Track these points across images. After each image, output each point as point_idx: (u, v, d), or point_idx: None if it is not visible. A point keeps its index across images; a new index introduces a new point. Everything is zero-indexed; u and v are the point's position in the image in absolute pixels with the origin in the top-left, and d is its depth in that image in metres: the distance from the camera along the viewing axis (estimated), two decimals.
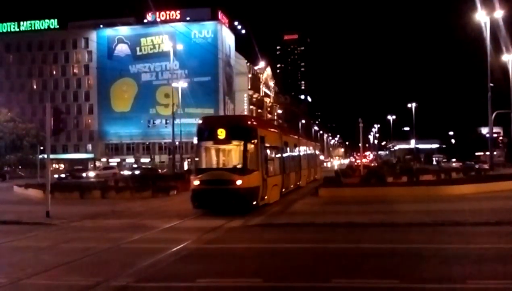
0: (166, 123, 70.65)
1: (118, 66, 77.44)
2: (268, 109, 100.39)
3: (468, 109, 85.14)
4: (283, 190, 19.18)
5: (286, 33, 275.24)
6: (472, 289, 6.47)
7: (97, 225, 13.34)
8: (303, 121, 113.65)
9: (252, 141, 15.20)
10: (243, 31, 74.11)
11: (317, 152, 34.97)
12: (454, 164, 58.87)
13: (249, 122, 16.37)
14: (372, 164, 58.61)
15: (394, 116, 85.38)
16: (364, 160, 55.53)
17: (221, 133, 15.16)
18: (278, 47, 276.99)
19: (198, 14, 78.90)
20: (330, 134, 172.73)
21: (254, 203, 14.91)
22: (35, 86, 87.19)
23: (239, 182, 14.37)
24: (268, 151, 16.98)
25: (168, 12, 78.86)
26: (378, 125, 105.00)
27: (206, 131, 15.88)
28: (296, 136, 26.29)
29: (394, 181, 22.13)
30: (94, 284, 6.97)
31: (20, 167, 62.55)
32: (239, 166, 15.08)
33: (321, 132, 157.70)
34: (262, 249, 9.81)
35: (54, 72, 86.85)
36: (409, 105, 72.92)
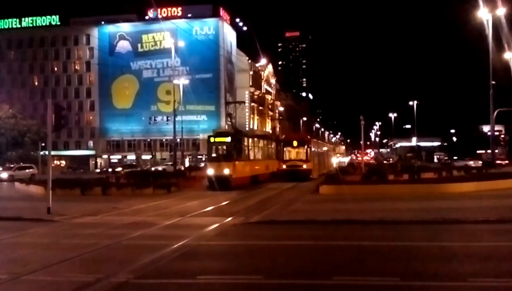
0: (167, 120, 70.54)
1: (120, 63, 77.39)
2: (270, 106, 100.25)
3: (470, 107, 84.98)
4: (320, 171, 34.34)
5: (287, 30, 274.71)
6: (473, 287, 6.46)
7: (98, 222, 13.33)
8: (304, 118, 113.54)
9: (308, 146, 31.44)
10: (245, 28, 74.15)
11: (331, 151, 51.33)
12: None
13: (306, 138, 34.22)
14: (371, 162, 58.74)
15: (395, 114, 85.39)
16: (365, 158, 55.67)
17: (295, 143, 32.00)
18: (279, 44, 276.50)
19: (199, 11, 78.76)
20: (331, 132, 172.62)
21: (310, 176, 30.34)
22: (36, 83, 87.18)
23: (304, 166, 30.48)
24: (314, 151, 33.31)
25: (169, 9, 78.73)
26: (380, 123, 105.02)
27: (287, 141, 33.35)
28: (321, 142, 45.59)
29: (395, 179, 22.15)
30: (95, 280, 6.97)
31: (21, 163, 62.68)
32: (303, 158, 30.94)
33: (322, 129, 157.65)
34: (263, 246, 9.80)
35: (56, 69, 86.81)
36: (410, 103, 72.89)
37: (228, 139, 24.43)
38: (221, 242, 10.19)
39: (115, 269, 7.68)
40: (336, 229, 11.36)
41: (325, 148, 43.73)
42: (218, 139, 24.94)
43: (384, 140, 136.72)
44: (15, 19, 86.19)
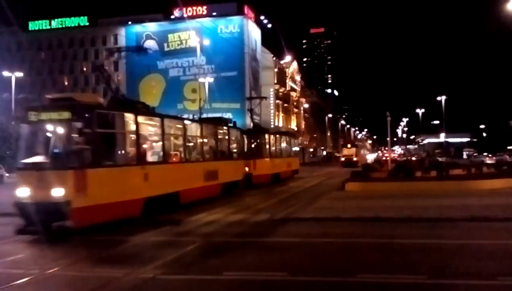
0: (193, 117, 71.06)
1: (147, 62, 78.39)
2: (294, 103, 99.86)
3: (500, 102, 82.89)
4: (362, 162, 42.24)
5: (312, 27, 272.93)
6: (502, 286, 6.33)
7: None
8: (330, 115, 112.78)
9: (356, 145, 59.97)
10: (269, 26, 73.88)
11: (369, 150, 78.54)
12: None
13: (354, 143, 59.80)
14: (398, 158, 58.49)
15: (423, 110, 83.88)
16: (392, 155, 55.26)
17: (349, 144, 60.00)
18: (304, 41, 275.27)
19: (224, 9, 79.05)
20: (357, 128, 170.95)
21: (357, 165, 41.30)
22: (66, 83, 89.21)
23: (354, 158, 52.35)
24: (358, 150, 57.69)
25: (194, 8, 79.34)
26: (407, 119, 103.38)
27: (345, 144, 59.56)
28: (362, 144, 65.86)
29: (423, 175, 21.74)
30: (122, 275, 7.14)
31: None
32: (353, 154, 54.29)
33: (348, 126, 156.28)
34: (288, 243, 9.82)
35: (85, 69, 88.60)
36: (438, 98, 71.47)
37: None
38: (246, 239, 10.26)
39: (143, 264, 7.82)
40: (362, 226, 11.27)
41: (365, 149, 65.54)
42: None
43: (412, 137, 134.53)
44: (45, 21, 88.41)
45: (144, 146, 12.77)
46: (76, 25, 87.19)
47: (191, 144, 16.30)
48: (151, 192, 12.38)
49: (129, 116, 12.07)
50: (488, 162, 45.40)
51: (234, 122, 21.99)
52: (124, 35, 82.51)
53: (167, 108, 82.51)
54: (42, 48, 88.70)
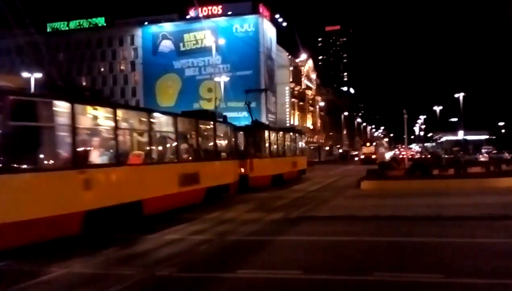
0: None
1: (163, 62, 79.00)
2: (310, 102, 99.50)
3: None
4: (380, 160, 44.04)
5: (327, 25, 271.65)
6: None
7: None
8: (346, 113, 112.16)
9: (375, 144, 65.37)
10: (284, 24, 73.84)
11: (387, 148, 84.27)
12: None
13: (373, 141, 70.39)
14: (415, 156, 58.25)
15: (440, 107, 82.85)
16: (409, 152, 55.06)
17: (368, 142, 68.27)
18: (319, 39, 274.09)
19: (239, 9, 79.18)
20: (373, 126, 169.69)
21: (376, 162, 41.25)
22: (84, 83, 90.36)
23: (373, 156, 56.62)
24: (377, 148, 65.31)
25: (210, 8, 79.69)
26: (424, 117, 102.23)
27: (364, 142, 69.48)
28: (380, 142, 70.48)
29: (441, 173, 21.48)
30: (138, 273, 7.21)
31: None
32: (372, 152, 60.36)
33: (364, 124, 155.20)
34: (303, 241, 9.80)
35: (102, 69, 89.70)
36: (456, 95, 70.48)
37: None
38: (261, 237, 10.25)
39: (159, 262, 7.90)
40: (378, 225, 11.18)
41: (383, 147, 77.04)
42: None
43: (429, 134, 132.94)
44: (63, 22, 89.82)
45: (86, 143, 10.03)
46: (94, 26, 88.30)
47: (161, 142, 13.54)
48: (95, 203, 9.62)
49: (61, 105, 9.29)
50: (508, 158, 44.71)
51: (225, 117, 18.37)
52: (140, 35, 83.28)
53: (183, 108, 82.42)
54: (60, 49, 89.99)
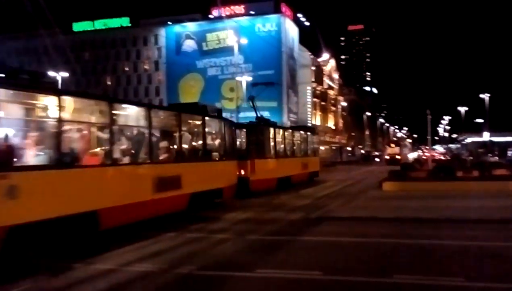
0: (231, 117, 71.78)
1: (186, 62, 79.70)
2: (332, 101, 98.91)
3: None
4: (403, 160, 47.63)
5: (350, 24, 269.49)
6: None
7: None
8: (368, 113, 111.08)
9: (400, 145, 69.67)
10: (307, 23, 73.52)
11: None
12: None
13: (397, 142, 73.82)
14: (440, 157, 57.67)
15: (466, 108, 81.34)
16: (433, 153, 54.36)
17: (392, 143, 70.78)
18: (342, 39, 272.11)
19: (261, 8, 79.29)
20: (397, 127, 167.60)
21: (400, 162, 42.10)
22: (109, 82, 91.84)
23: (398, 157, 58.82)
24: (401, 149, 67.36)
25: (232, 7, 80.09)
26: (449, 117, 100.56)
27: (389, 143, 71.88)
28: (404, 143, 70.53)
29: (465, 175, 21.13)
30: (158, 271, 7.35)
31: None
32: (397, 152, 62.73)
33: (387, 124, 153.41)
34: (323, 242, 9.79)
35: (127, 69, 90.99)
36: (481, 96, 69.10)
37: None
38: (281, 237, 10.29)
39: (179, 260, 8.03)
40: (399, 226, 11.08)
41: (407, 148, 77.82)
42: None
43: (454, 135, 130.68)
44: (88, 22, 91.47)
45: (13, 139, 7.91)
46: (119, 26, 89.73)
47: (130, 139, 10.89)
48: (25, 216, 7.42)
49: (270, 129, 8.55)
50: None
51: (219, 111, 15.68)
52: (164, 35, 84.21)
53: None
54: (86, 49, 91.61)
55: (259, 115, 21.56)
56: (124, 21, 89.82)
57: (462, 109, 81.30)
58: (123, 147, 10.51)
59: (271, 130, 20.96)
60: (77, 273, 7.34)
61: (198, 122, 14.02)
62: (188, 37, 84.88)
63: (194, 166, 13.26)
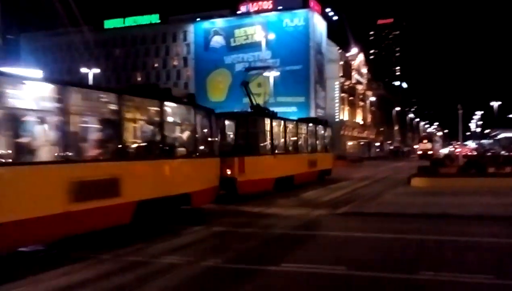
0: None
1: (214, 58, 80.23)
2: (360, 96, 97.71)
3: None
4: (435, 155, 54.03)
5: (380, 18, 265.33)
6: None
7: None
8: (398, 108, 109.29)
9: (432, 140, 73.46)
10: (335, 18, 72.91)
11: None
12: None
13: (429, 137, 76.27)
14: (472, 153, 56.47)
15: (499, 102, 79.11)
16: (465, 149, 53.16)
17: (425, 139, 74.25)
18: (371, 33, 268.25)
19: (289, 3, 78.93)
20: (427, 122, 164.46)
21: (432, 157, 44.61)
22: (139, 78, 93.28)
23: (430, 152, 62.90)
24: (433, 144, 73.18)
25: (260, 3, 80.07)
26: (481, 112, 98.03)
27: (421, 138, 78.80)
28: (436, 139, 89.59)
29: (496, 171, 20.62)
30: (185, 262, 7.49)
31: None
32: (429, 148, 67.83)
33: (417, 119, 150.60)
34: (349, 237, 9.77)
35: (156, 65, 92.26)
36: None
37: None
38: (306, 232, 10.32)
39: (206, 253, 8.15)
40: (427, 223, 10.92)
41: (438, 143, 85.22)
42: None
43: (486, 131, 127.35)
44: (119, 19, 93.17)
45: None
46: (148, 23, 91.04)
47: (28, 129, 7.58)
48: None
49: (267, 120, 6.16)
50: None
51: (191, 96, 12.54)
52: (193, 31, 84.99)
53: (234, 103, 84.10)
54: (116, 46, 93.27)
55: (255, 103, 18.48)
56: (154, 18, 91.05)
57: (495, 104, 79.03)
58: (19, 140, 7.32)
59: (267, 121, 17.48)
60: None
61: (153, 109, 10.71)
62: (216, 33, 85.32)
63: (143, 165, 10.05)
